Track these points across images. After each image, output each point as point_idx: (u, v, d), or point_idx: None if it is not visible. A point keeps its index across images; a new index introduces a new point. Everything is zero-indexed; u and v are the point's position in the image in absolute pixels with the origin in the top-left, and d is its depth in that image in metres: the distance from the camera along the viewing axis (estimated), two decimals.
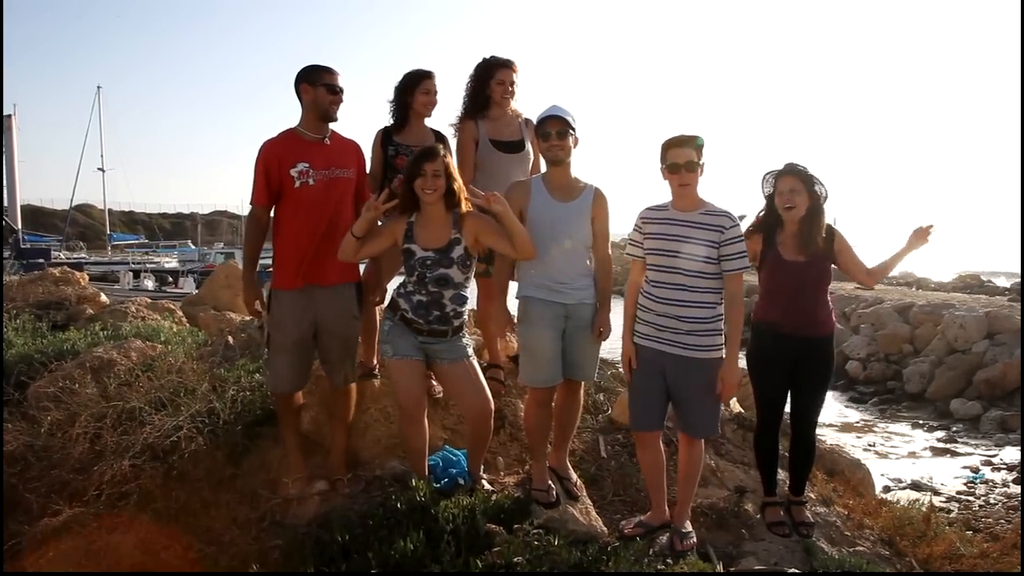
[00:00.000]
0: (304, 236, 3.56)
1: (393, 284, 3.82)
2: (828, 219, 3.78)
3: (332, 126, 3.69)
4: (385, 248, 3.52)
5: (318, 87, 3.57)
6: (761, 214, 3.88)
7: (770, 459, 3.94)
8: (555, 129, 3.45)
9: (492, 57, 4.25)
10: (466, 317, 3.57)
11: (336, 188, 3.61)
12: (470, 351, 3.54)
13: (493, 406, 3.56)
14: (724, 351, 3.43)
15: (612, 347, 3.77)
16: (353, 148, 3.78)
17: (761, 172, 3.85)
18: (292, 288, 3.59)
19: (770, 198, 3.81)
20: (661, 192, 3.55)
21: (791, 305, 3.69)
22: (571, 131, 3.48)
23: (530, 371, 3.55)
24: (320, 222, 3.56)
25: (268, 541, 3.32)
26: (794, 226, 3.71)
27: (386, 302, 3.77)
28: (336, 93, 3.60)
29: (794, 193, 3.66)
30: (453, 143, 4.17)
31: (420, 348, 3.46)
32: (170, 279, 33.08)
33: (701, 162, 3.39)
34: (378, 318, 4.32)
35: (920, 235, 3.73)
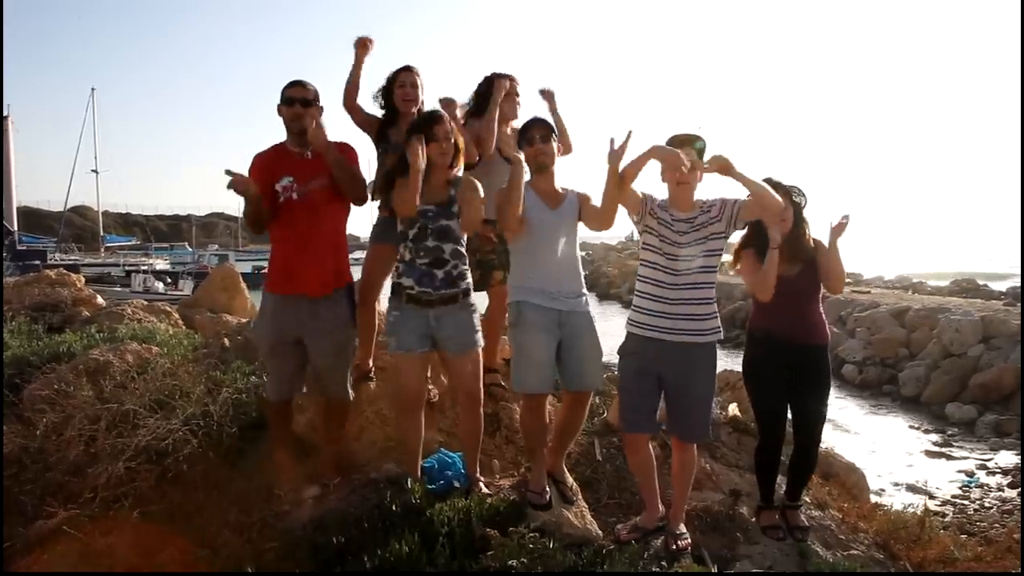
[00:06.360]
0: (291, 247, 3.54)
1: (387, 290, 3.81)
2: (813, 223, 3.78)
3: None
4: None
5: (281, 104, 3.54)
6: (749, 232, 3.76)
7: (771, 472, 3.93)
8: (539, 133, 3.52)
9: (494, 73, 4.27)
10: (471, 283, 3.57)
11: (314, 199, 3.55)
12: (478, 337, 3.55)
13: (482, 399, 3.63)
14: (721, 332, 3.46)
15: (610, 350, 3.77)
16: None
17: (758, 172, 3.84)
18: (276, 292, 3.60)
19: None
20: (660, 194, 3.56)
21: (785, 315, 3.70)
22: (554, 136, 3.54)
23: (523, 375, 3.52)
24: (301, 233, 3.53)
25: (263, 544, 3.31)
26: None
27: (382, 302, 3.75)
28: (291, 105, 3.49)
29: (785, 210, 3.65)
30: None
31: (428, 336, 3.47)
32: (169, 280, 33.13)
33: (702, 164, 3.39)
34: (377, 320, 4.34)
35: (837, 229, 3.71)
